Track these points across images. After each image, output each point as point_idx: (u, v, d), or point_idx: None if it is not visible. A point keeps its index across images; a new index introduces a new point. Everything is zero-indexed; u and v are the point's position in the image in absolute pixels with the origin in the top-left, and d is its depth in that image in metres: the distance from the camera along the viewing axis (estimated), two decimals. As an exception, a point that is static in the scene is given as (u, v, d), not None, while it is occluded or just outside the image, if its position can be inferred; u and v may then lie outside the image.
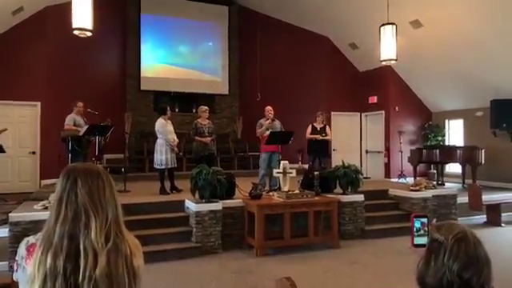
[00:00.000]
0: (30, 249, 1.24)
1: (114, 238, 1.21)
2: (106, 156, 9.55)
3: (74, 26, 5.89)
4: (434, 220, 6.90)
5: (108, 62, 10.89)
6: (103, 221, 1.20)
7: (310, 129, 8.13)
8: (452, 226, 1.25)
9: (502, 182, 9.01)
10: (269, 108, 7.49)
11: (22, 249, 1.27)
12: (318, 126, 8.16)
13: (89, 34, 5.96)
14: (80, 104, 7.19)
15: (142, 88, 11.11)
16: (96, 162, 7.08)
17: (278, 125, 7.36)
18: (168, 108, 7.19)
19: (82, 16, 5.91)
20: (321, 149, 8.10)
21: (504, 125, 9.04)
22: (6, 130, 6.98)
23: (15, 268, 1.28)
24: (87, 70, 10.07)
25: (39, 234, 1.25)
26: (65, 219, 1.18)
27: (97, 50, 10.13)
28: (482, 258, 1.20)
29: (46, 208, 5.19)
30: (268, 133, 7.09)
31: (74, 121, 6.95)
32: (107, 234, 1.19)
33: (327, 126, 8.25)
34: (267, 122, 7.29)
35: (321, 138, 8.05)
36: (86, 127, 6.68)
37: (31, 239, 1.28)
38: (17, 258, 1.28)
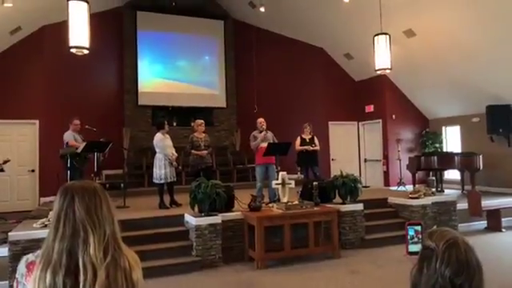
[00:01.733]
0: (29, 266, 1.26)
1: (113, 253, 1.22)
2: (105, 172, 9.56)
3: (70, 44, 5.96)
4: (435, 227, 6.90)
5: (105, 78, 10.97)
6: (101, 236, 1.22)
7: (298, 141, 8.17)
8: (443, 233, 1.26)
9: (501, 187, 9.01)
10: (261, 120, 7.52)
11: (21, 266, 1.29)
12: (307, 137, 8.21)
13: (86, 51, 6.02)
14: (76, 122, 7.19)
15: (140, 103, 11.17)
16: (95, 178, 7.09)
17: (270, 136, 7.39)
18: (166, 122, 7.23)
19: (79, 34, 5.98)
20: (311, 159, 8.14)
21: (500, 130, 9.08)
22: (9, 160, 7.02)
23: (15, 286, 1.29)
24: (85, 86, 10.14)
25: (38, 251, 1.27)
26: (63, 236, 1.20)
27: (94, 67, 10.21)
28: (474, 264, 1.21)
29: (45, 226, 5.18)
30: (263, 145, 7.13)
31: (74, 138, 6.97)
32: (105, 249, 1.21)
33: (315, 137, 8.30)
34: (261, 134, 7.31)
35: (311, 148, 8.10)
36: (83, 144, 6.70)
37: (31, 257, 1.30)
38: (17, 276, 1.29)
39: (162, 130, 7.08)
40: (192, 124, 11.25)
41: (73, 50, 6.20)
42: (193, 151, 7.25)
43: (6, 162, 6.70)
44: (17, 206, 8.75)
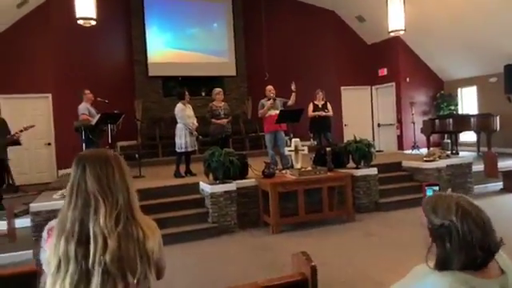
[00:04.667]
0: (49, 232, 1.30)
1: (125, 223, 1.23)
2: (119, 143, 9.68)
3: (77, 15, 5.91)
4: (449, 190, 6.87)
5: (114, 49, 10.90)
6: (113, 206, 1.22)
7: (311, 107, 8.09)
8: (447, 204, 1.24)
9: (518, 148, 8.88)
10: (270, 87, 7.41)
11: (44, 232, 1.34)
12: (319, 103, 8.13)
13: (93, 22, 5.98)
14: (87, 91, 7.20)
15: (150, 74, 11.12)
16: (110, 149, 7.18)
17: (279, 103, 7.30)
18: (186, 92, 7.21)
19: (85, 5, 5.91)
20: (324, 125, 8.09)
21: (519, 90, 8.85)
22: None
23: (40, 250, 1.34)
24: (94, 58, 10.11)
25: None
26: (75, 206, 1.22)
27: (102, 38, 10.14)
28: (488, 220, 1.22)
29: (64, 196, 5.31)
30: (272, 113, 7.09)
31: (88, 110, 7.01)
32: (117, 219, 1.22)
33: (328, 103, 8.20)
34: (269, 102, 7.23)
35: (324, 114, 8.02)
36: (97, 116, 6.75)
37: (52, 222, 1.34)
38: (41, 240, 1.35)
39: (183, 101, 7.09)
40: (203, 93, 11.26)
41: (80, 22, 6.16)
42: (213, 120, 7.26)
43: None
44: (36, 178, 8.98)
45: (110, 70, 10.48)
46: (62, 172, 9.02)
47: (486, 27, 8.49)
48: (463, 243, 1.17)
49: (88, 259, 1.16)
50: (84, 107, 7.00)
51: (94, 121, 6.79)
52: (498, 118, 8.70)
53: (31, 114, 9.13)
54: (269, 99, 7.29)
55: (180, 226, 5.45)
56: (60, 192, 5.42)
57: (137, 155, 7.50)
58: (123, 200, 1.25)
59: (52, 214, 4.98)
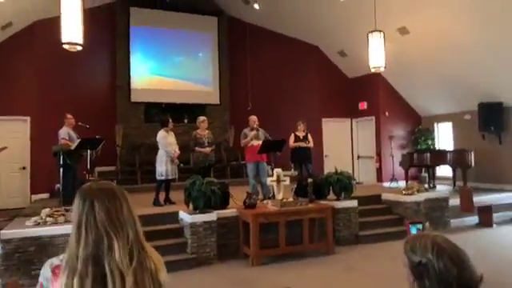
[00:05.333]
0: (55, 270, 1.24)
1: (138, 256, 1.21)
2: (98, 169, 9.49)
3: (63, 40, 5.87)
4: (427, 224, 6.96)
5: (98, 74, 10.86)
6: (125, 240, 1.20)
7: (292, 137, 8.18)
8: (423, 241, 1.27)
9: (492, 183, 9.12)
10: (254, 118, 7.49)
11: (46, 270, 1.26)
12: (301, 135, 8.22)
13: (79, 48, 5.95)
14: (69, 116, 7.14)
15: (133, 100, 11.08)
16: (88, 175, 7.04)
17: (262, 134, 7.37)
18: (170, 120, 7.18)
19: (72, 30, 5.90)
20: (305, 156, 8.16)
21: (492, 127, 9.18)
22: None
23: None
24: (77, 83, 10.04)
25: (62, 255, 1.26)
26: (86, 243, 1.18)
27: (86, 63, 10.11)
28: (465, 256, 1.24)
29: (38, 224, 5.14)
30: (254, 143, 7.14)
31: (69, 135, 6.90)
32: (131, 253, 1.20)
33: (309, 134, 8.31)
34: (252, 132, 7.30)
35: (305, 145, 8.11)
36: (77, 141, 6.63)
37: (55, 261, 1.27)
38: (41, 280, 1.26)
39: (166, 128, 7.05)
40: (186, 121, 11.26)
41: (66, 46, 6.12)
42: (196, 148, 7.22)
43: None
44: (7, 203, 8.65)
45: (92, 95, 10.40)
46: (35, 197, 8.74)
47: (460, 66, 8.88)
48: (440, 280, 1.19)
49: None
50: (65, 132, 6.89)
51: (73, 146, 6.67)
52: (472, 153, 8.97)
53: (7, 137, 8.88)
54: (252, 129, 7.34)
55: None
56: (33, 219, 5.22)
57: (115, 182, 7.34)
58: (133, 233, 1.24)
59: (24, 242, 4.80)
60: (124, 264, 1.17)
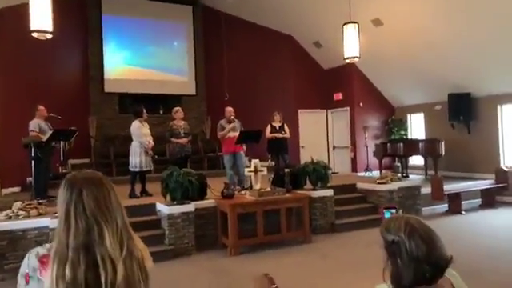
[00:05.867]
0: (43, 259, 1.22)
1: (128, 244, 1.21)
2: (71, 161, 9.27)
3: (32, 27, 5.67)
4: (400, 211, 7.17)
5: (69, 64, 10.55)
6: (114, 228, 1.20)
7: (269, 128, 8.22)
8: (396, 222, 1.34)
9: (461, 172, 9.45)
10: (230, 109, 7.52)
11: (32, 260, 1.24)
12: (277, 125, 8.27)
13: (49, 36, 5.76)
14: (41, 107, 6.92)
15: (106, 90, 10.84)
16: (61, 167, 6.87)
17: (238, 125, 7.42)
18: (144, 110, 7.05)
19: (41, 17, 5.70)
20: (281, 147, 8.22)
21: (461, 117, 9.49)
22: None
23: (25, 281, 1.23)
24: (48, 72, 9.72)
25: (46, 244, 1.24)
26: (77, 232, 1.17)
27: (58, 53, 9.80)
28: (436, 236, 1.30)
29: (9, 218, 5.00)
30: (231, 134, 7.16)
31: (39, 126, 6.69)
32: (121, 241, 1.20)
33: (285, 125, 8.38)
34: (231, 125, 7.30)
35: (281, 135, 8.17)
36: (49, 133, 6.45)
37: (41, 250, 1.25)
38: (27, 271, 1.23)
39: (140, 118, 6.93)
40: (161, 112, 11.13)
41: (34, 34, 5.91)
42: (172, 139, 7.16)
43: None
44: (-24, 197, 8.34)
45: (64, 85, 10.10)
46: (5, 191, 8.45)
47: (432, 58, 9.11)
48: (411, 258, 1.25)
49: (99, 285, 1.13)
50: (35, 123, 6.68)
51: (44, 137, 6.48)
52: (443, 143, 9.26)
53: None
54: (228, 121, 7.35)
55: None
56: (4, 213, 5.08)
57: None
58: (121, 221, 1.23)
59: (-5, 237, 4.66)
60: (115, 252, 1.17)
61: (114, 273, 1.15)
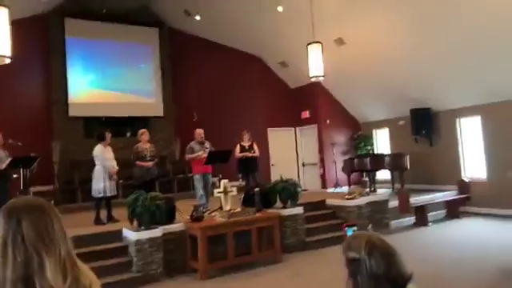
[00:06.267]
0: None
1: (72, 273, 1.16)
2: (33, 189, 8.88)
3: (-11, 52, 5.51)
4: (370, 226, 7.26)
5: (30, 88, 10.23)
6: (57, 258, 1.14)
7: (238, 148, 8.25)
8: (358, 239, 1.35)
9: (426, 184, 9.73)
10: (200, 131, 7.59)
11: None
12: (246, 144, 8.32)
13: (8, 60, 5.59)
14: None
15: (71, 114, 10.54)
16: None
17: (209, 146, 7.48)
18: (107, 134, 6.89)
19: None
20: (251, 165, 8.25)
21: (423, 131, 9.84)
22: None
23: None
24: (7, 97, 9.39)
25: None
26: (15, 264, 1.10)
27: (16, 77, 9.50)
28: (395, 252, 1.32)
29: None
30: (201, 154, 7.21)
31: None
32: (64, 270, 1.14)
33: (254, 144, 8.44)
34: (202, 152, 7.31)
35: (250, 155, 8.21)
36: (8, 160, 6.19)
37: None
38: None
39: (103, 142, 6.76)
40: (128, 134, 10.92)
41: (-8, 59, 5.74)
42: (137, 162, 7.03)
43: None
44: None
45: (24, 110, 9.76)
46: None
47: (394, 75, 9.47)
48: (371, 276, 1.26)
49: None
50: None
51: (3, 165, 6.21)
52: (407, 157, 9.54)
53: None
54: (198, 142, 7.37)
55: (100, 277, 4.98)
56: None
57: (52, 201, 6.93)
58: (64, 249, 1.17)
59: None
60: (57, 282, 1.11)
61: None
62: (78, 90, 10.73)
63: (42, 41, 10.28)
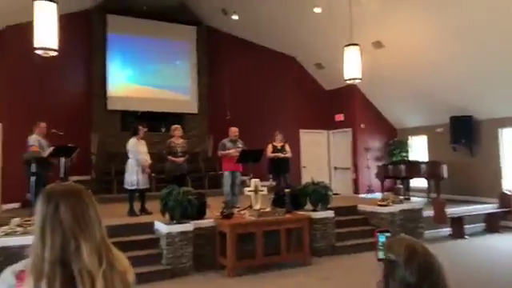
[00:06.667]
0: (20, 275, 1.18)
1: (107, 257, 1.19)
2: (72, 178, 9.21)
3: (36, 45, 5.74)
4: (402, 234, 7.07)
5: (73, 80, 10.64)
6: (92, 242, 1.18)
7: (270, 148, 8.22)
8: (401, 243, 1.30)
9: (464, 195, 9.36)
10: (234, 129, 7.68)
11: (9, 277, 1.20)
12: (278, 145, 8.28)
13: (53, 53, 5.82)
14: (42, 124, 6.92)
15: (109, 108, 10.88)
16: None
17: (241, 145, 7.57)
18: (140, 128, 7.06)
19: (46, 35, 5.78)
20: (283, 167, 8.19)
21: (463, 140, 9.47)
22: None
23: None
24: (51, 89, 9.78)
25: (23, 261, 1.20)
26: (53, 246, 1.14)
27: (61, 69, 9.87)
28: (435, 267, 1.24)
29: (7, 234, 4.94)
30: (233, 153, 7.31)
31: (39, 142, 6.69)
32: (99, 255, 1.17)
33: (286, 144, 8.38)
34: (235, 150, 7.39)
35: (282, 155, 8.16)
36: (50, 149, 6.45)
37: (18, 266, 1.21)
38: None
39: (137, 136, 6.94)
40: (163, 130, 11.13)
41: (39, 52, 5.98)
42: (169, 157, 7.17)
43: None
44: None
45: (67, 102, 10.15)
46: (6, 207, 8.41)
47: (434, 80, 9.16)
48: (402, 282, 1.21)
49: None
50: (34, 139, 6.68)
51: (45, 153, 6.47)
52: (445, 166, 9.20)
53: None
54: (231, 140, 7.43)
55: (131, 267, 5.16)
56: (2, 229, 5.02)
57: (89, 191, 7.16)
58: (99, 235, 1.21)
59: (-10, 254, 4.60)
60: (93, 265, 1.14)
61: (92, 286, 1.12)
62: (116, 84, 11.06)
63: (85, 35, 10.65)
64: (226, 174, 7.46)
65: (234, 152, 7.35)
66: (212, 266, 5.67)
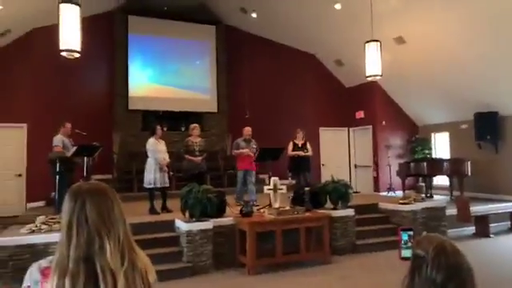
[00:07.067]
0: (45, 272, 1.22)
1: (129, 256, 1.21)
2: (94, 177, 9.42)
3: (61, 47, 5.88)
4: (424, 233, 6.95)
5: (95, 81, 10.87)
6: (116, 240, 1.20)
7: (291, 146, 8.19)
8: (431, 240, 1.28)
9: (489, 193, 9.12)
10: (248, 129, 7.76)
11: (34, 273, 1.24)
12: (299, 143, 8.24)
13: (77, 55, 5.95)
14: (68, 125, 7.15)
15: (130, 107, 11.07)
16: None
17: (255, 146, 7.63)
18: (158, 127, 7.19)
19: (70, 37, 5.92)
20: (303, 165, 8.16)
21: (488, 137, 9.21)
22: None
23: None
24: (74, 89, 10.03)
25: (49, 257, 1.24)
26: (78, 243, 1.17)
27: (84, 70, 10.11)
28: (464, 268, 1.22)
29: (32, 232, 5.10)
30: (246, 152, 7.44)
31: (63, 142, 6.88)
32: (122, 253, 1.20)
33: (307, 142, 8.33)
34: (246, 150, 7.51)
35: (303, 154, 8.12)
36: (74, 148, 6.61)
37: (43, 263, 1.25)
38: (28, 284, 1.23)
39: (155, 135, 7.05)
40: (183, 129, 11.25)
41: (64, 54, 6.13)
42: (187, 156, 7.26)
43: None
44: (2, 211, 8.56)
45: (89, 102, 10.38)
46: (31, 205, 8.67)
47: (457, 76, 8.94)
48: (428, 279, 1.19)
49: None
50: (59, 139, 6.87)
51: (69, 153, 6.64)
52: (469, 163, 8.98)
53: (2, 144, 8.86)
54: (245, 140, 7.59)
55: (152, 264, 5.24)
56: (28, 226, 5.18)
57: (114, 190, 7.31)
58: (123, 233, 1.24)
59: (19, 250, 4.76)
60: (116, 264, 1.17)
61: (113, 285, 1.15)
62: (137, 84, 11.24)
63: (107, 37, 10.85)
64: (240, 173, 7.60)
65: (246, 151, 7.43)
66: (232, 264, 5.70)
